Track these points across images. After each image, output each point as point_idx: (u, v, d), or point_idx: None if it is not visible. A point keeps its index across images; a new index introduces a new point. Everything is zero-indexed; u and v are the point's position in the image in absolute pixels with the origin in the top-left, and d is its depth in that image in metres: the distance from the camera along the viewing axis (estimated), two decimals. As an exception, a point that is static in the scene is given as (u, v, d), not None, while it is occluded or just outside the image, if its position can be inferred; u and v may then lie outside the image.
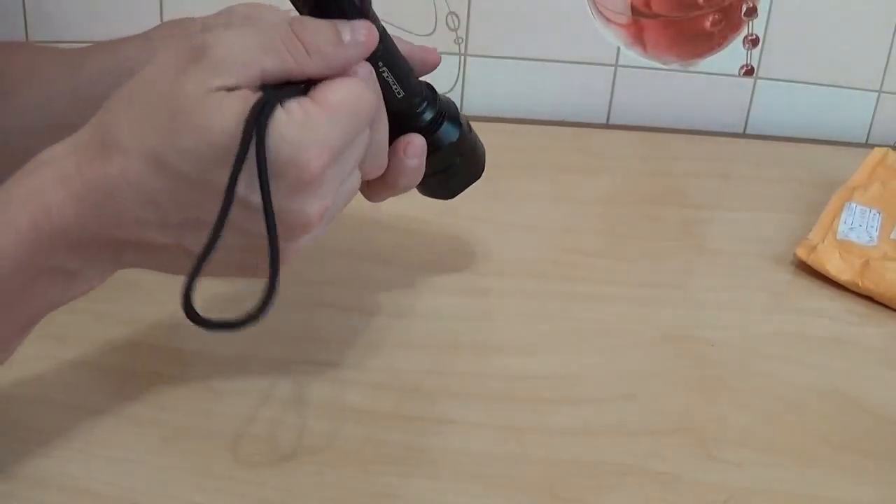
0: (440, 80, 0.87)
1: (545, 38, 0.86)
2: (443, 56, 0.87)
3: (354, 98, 0.42)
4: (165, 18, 0.84)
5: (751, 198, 0.76)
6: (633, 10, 0.84)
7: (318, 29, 0.42)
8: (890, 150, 0.77)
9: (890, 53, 0.86)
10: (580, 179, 0.77)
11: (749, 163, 0.81)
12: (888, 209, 0.70)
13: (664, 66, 0.87)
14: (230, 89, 0.40)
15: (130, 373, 0.53)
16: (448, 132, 0.52)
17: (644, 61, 0.87)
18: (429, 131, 0.51)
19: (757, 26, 0.85)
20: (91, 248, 0.42)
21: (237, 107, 0.39)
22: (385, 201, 0.53)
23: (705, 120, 0.88)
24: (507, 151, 0.76)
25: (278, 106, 0.40)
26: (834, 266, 0.64)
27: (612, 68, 0.87)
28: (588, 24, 0.85)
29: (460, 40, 0.85)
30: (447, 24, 0.85)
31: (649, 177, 0.78)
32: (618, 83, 0.88)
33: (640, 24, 0.85)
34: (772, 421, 0.52)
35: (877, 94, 0.87)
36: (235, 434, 0.49)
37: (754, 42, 0.86)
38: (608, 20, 0.85)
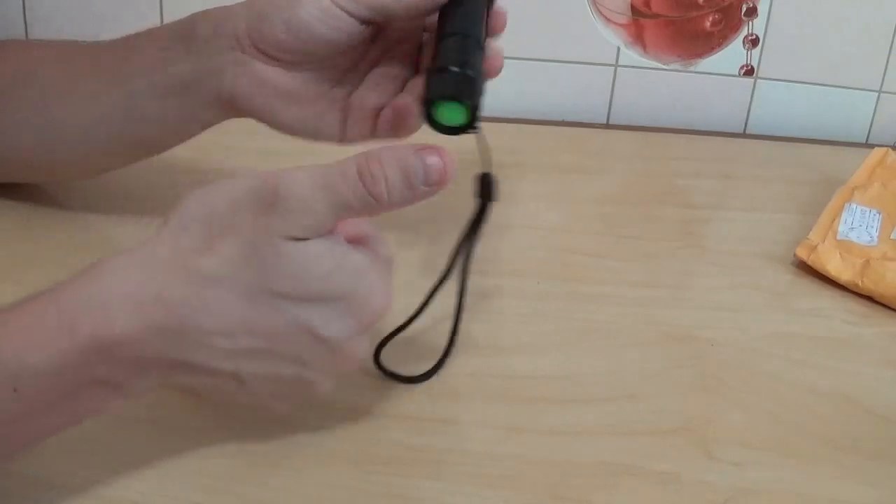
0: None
1: (545, 38, 0.86)
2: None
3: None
4: (165, 18, 0.84)
5: (751, 198, 0.76)
6: (633, 10, 0.84)
7: (390, 176, 0.42)
8: (890, 150, 0.77)
9: (890, 53, 0.86)
10: (580, 179, 0.77)
11: (749, 163, 0.81)
12: (888, 209, 0.70)
13: (664, 66, 0.87)
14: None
15: (130, 373, 0.52)
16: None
17: (644, 61, 0.87)
18: None
19: (757, 26, 0.85)
20: (146, 365, 0.41)
21: (327, 253, 0.42)
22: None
23: (705, 120, 0.88)
24: (507, 151, 0.76)
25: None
26: (834, 266, 0.64)
27: (612, 68, 0.87)
28: (588, 24, 0.85)
29: (460, 40, 0.85)
30: (447, 24, 0.85)
31: (649, 177, 0.78)
32: (618, 83, 0.88)
33: (640, 24, 0.85)
34: (772, 421, 0.52)
35: (877, 94, 0.87)
36: (236, 434, 0.49)
37: (754, 42, 0.86)
38: (608, 20, 0.85)
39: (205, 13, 0.55)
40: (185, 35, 0.55)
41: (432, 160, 0.43)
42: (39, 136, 0.60)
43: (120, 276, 0.41)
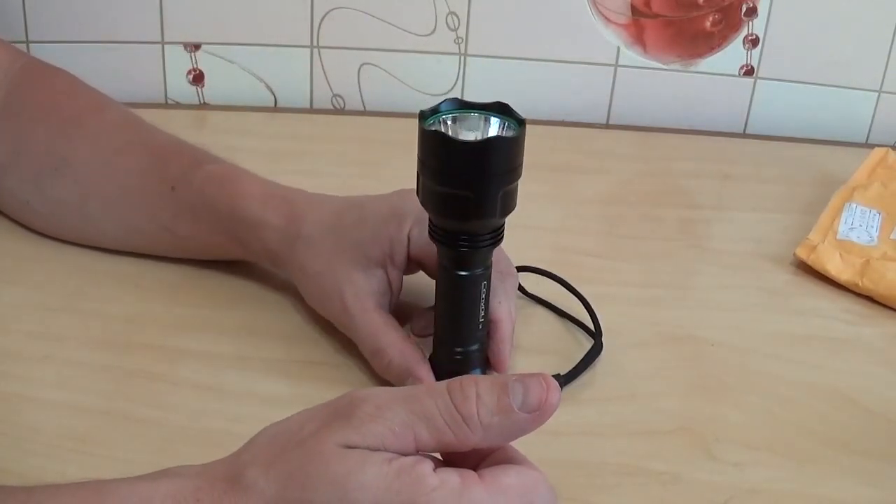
0: (440, 80, 0.87)
1: (545, 38, 0.86)
2: (443, 56, 0.87)
3: (529, 486, 0.38)
4: (166, 20, 0.84)
5: (751, 198, 0.76)
6: (633, 10, 0.84)
7: (483, 394, 0.37)
8: (890, 150, 0.77)
9: (890, 53, 0.86)
10: (580, 179, 0.77)
11: (749, 163, 0.81)
12: (888, 209, 0.70)
13: (664, 66, 0.87)
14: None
15: (130, 373, 0.53)
16: None
17: (644, 61, 0.87)
18: None
19: (757, 26, 0.85)
20: None
21: (377, 469, 0.36)
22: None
23: (705, 120, 0.88)
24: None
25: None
26: (834, 266, 0.64)
27: (612, 68, 0.87)
28: (588, 24, 0.85)
29: (460, 40, 0.85)
30: (447, 24, 0.85)
31: (649, 177, 0.78)
32: (618, 83, 0.87)
33: (640, 24, 0.85)
34: (772, 421, 0.52)
35: (877, 94, 0.87)
36: (235, 434, 0.49)
37: (754, 42, 0.86)
38: (608, 20, 0.85)
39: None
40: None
41: (533, 382, 0.38)
42: (78, 229, 0.62)
43: (172, 475, 0.38)
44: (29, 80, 0.64)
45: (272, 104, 0.88)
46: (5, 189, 0.62)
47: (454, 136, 0.46)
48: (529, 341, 0.57)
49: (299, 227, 0.55)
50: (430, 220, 0.47)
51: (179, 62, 0.85)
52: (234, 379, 0.53)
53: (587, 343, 0.56)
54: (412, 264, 0.54)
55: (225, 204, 0.56)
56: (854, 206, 0.70)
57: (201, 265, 0.61)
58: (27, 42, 0.83)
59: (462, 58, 0.86)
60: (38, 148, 0.61)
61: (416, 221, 0.52)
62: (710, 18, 0.85)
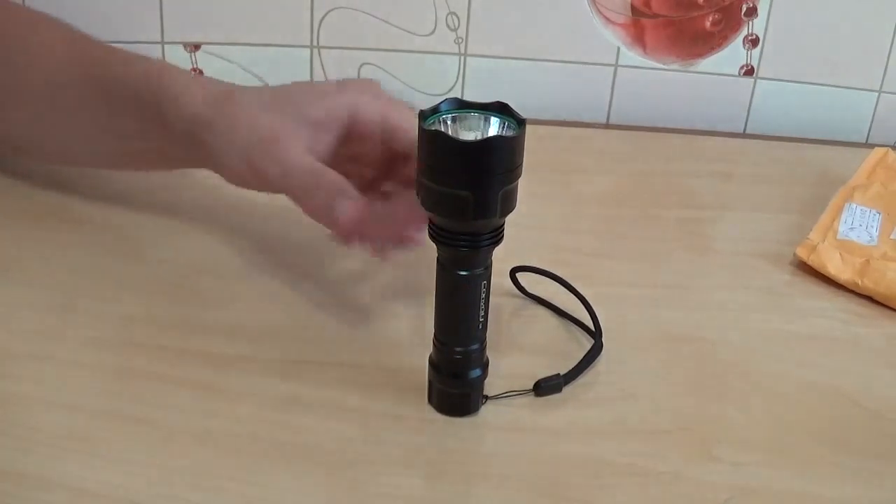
0: (441, 80, 0.87)
1: (545, 38, 0.86)
2: (443, 56, 0.87)
3: None
4: (165, 19, 0.84)
5: (751, 198, 0.76)
6: (633, 10, 0.84)
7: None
8: (890, 150, 0.77)
9: (890, 53, 0.86)
10: (580, 179, 0.77)
11: (749, 163, 0.81)
12: (888, 209, 0.70)
13: (664, 66, 0.87)
14: None
15: (130, 373, 0.53)
16: None
17: (644, 61, 0.87)
18: None
19: (757, 26, 0.85)
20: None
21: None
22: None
23: (705, 120, 0.88)
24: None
25: None
26: (834, 266, 0.64)
27: (612, 68, 0.87)
28: (588, 24, 0.85)
29: (460, 40, 0.85)
30: (447, 24, 0.85)
31: (649, 177, 0.78)
32: (618, 83, 0.88)
33: (640, 24, 0.85)
34: (772, 421, 0.52)
35: (877, 94, 0.87)
36: (235, 434, 0.49)
37: (754, 42, 0.86)
38: (608, 20, 0.85)
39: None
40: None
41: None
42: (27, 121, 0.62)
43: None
44: None
45: (272, 104, 0.88)
46: None
47: (454, 135, 0.46)
48: (530, 341, 0.57)
49: (230, 90, 0.56)
50: (429, 220, 0.47)
51: (179, 62, 0.85)
52: (234, 379, 0.53)
53: (587, 343, 0.56)
54: (354, 140, 0.55)
55: (153, 85, 0.57)
56: (854, 205, 0.70)
57: (201, 267, 0.61)
58: (27, 42, 0.83)
59: (462, 58, 0.86)
60: None
61: (360, 92, 0.55)
62: (710, 18, 0.85)
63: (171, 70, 0.58)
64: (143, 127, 0.58)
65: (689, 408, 0.53)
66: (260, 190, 0.55)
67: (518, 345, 0.56)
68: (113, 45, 0.62)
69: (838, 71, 0.86)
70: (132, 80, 0.58)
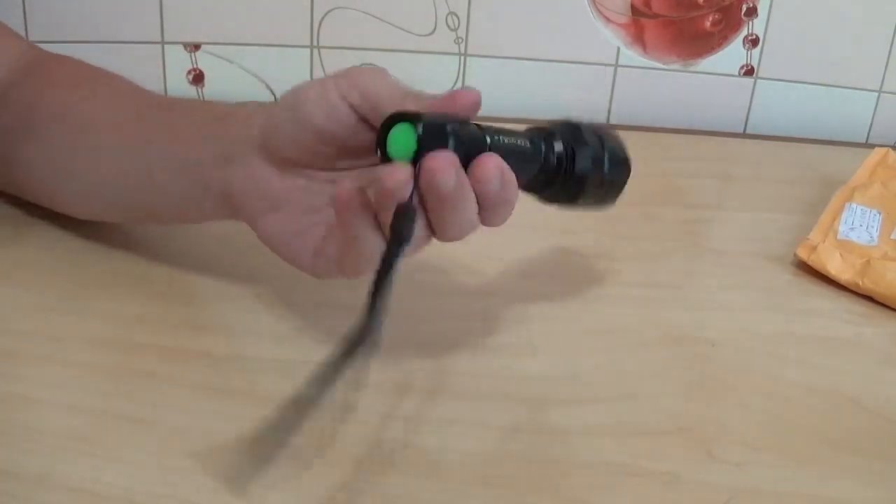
0: (440, 80, 0.87)
1: (545, 38, 0.86)
2: (443, 56, 0.87)
3: None
4: (166, 19, 0.84)
5: (751, 198, 0.76)
6: (633, 10, 0.84)
7: None
8: (890, 150, 0.77)
9: (890, 53, 0.86)
10: (580, 179, 0.76)
11: (749, 163, 0.81)
12: (888, 209, 0.70)
13: (664, 66, 0.87)
14: None
15: (130, 373, 0.53)
16: (582, 163, 0.53)
17: (644, 61, 0.87)
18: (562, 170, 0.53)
19: (757, 26, 0.85)
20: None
21: None
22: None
23: (705, 120, 0.88)
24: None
25: None
26: (834, 266, 0.64)
27: (612, 68, 0.87)
28: (588, 24, 0.85)
29: (460, 40, 0.86)
30: (447, 24, 0.85)
31: (649, 177, 0.78)
32: (618, 83, 0.88)
33: (640, 24, 0.85)
34: (772, 421, 0.52)
35: (877, 94, 0.87)
36: (235, 434, 0.49)
37: (754, 42, 0.86)
38: (608, 20, 0.85)
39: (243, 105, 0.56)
40: (221, 116, 0.56)
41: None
42: (57, 180, 0.61)
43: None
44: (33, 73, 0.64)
45: (272, 104, 0.88)
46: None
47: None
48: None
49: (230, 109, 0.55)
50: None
51: (179, 62, 0.85)
52: (235, 379, 0.53)
53: None
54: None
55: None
56: (854, 206, 0.70)
57: (200, 266, 0.61)
58: (27, 42, 0.83)
59: (462, 58, 0.86)
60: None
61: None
62: (710, 18, 0.85)
63: None
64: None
65: (689, 408, 0.53)
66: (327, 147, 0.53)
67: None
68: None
69: (838, 71, 0.87)
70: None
